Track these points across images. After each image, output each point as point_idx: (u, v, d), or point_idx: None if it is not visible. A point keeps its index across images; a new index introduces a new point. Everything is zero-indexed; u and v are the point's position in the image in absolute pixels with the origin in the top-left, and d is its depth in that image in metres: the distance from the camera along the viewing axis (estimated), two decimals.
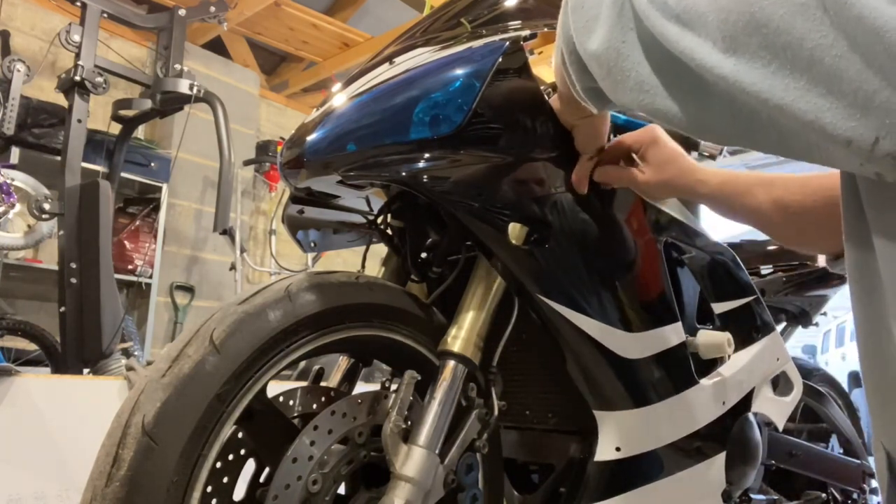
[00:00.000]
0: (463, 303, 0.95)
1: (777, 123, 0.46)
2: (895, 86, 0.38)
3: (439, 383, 0.90)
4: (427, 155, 0.86)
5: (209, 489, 0.78)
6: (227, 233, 3.52)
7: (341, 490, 0.89)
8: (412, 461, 0.83)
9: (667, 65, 0.51)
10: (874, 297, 0.55)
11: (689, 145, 1.06)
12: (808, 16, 0.40)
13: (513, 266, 0.91)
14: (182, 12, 3.42)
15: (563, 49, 0.64)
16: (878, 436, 0.59)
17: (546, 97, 0.95)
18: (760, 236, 1.75)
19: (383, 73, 0.96)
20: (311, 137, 0.91)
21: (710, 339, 1.09)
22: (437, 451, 0.85)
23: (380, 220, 1.09)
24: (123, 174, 3.78)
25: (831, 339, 9.42)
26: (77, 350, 2.83)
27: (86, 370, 2.83)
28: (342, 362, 1.10)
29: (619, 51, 0.54)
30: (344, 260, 5.10)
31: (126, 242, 4.25)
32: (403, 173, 0.85)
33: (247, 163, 5.04)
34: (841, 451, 1.65)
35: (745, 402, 1.18)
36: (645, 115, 1.10)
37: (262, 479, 0.89)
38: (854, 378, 7.35)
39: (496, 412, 0.97)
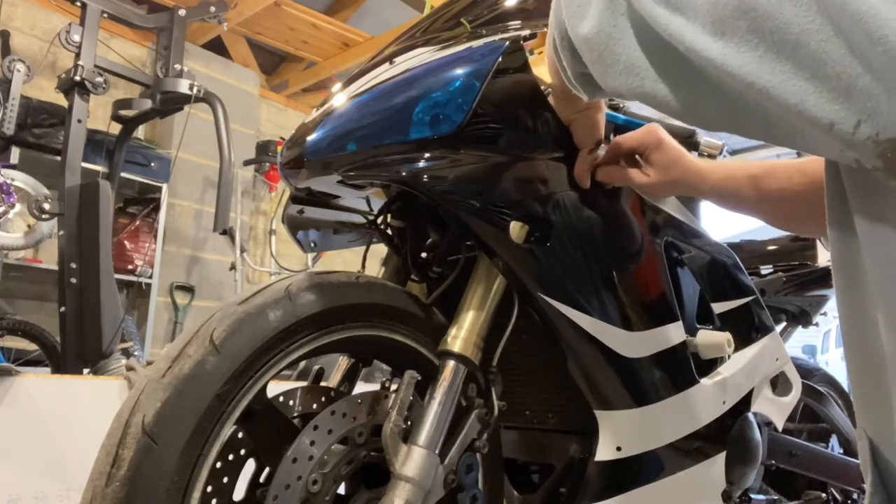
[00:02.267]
0: (463, 303, 0.95)
1: (762, 108, 0.47)
2: (875, 71, 0.39)
3: (439, 383, 0.90)
4: (427, 154, 0.86)
5: (209, 489, 0.78)
6: (227, 233, 3.52)
7: (341, 490, 0.89)
8: (412, 461, 0.83)
9: (657, 48, 0.52)
10: (857, 286, 0.56)
11: (690, 145, 1.06)
12: (796, 1, 0.41)
13: (514, 265, 0.91)
14: (182, 12, 3.42)
15: (555, 35, 0.64)
16: (861, 424, 0.60)
17: (546, 97, 0.95)
18: (760, 236, 1.75)
19: (383, 73, 0.96)
20: (311, 137, 0.91)
21: (710, 338, 1.09)
22: (437, 451, 0.85)
23: (380, 220, 1.09)
24: (123, 174, 3.78)
25: (831, 339, 9.43)
26: (77, 350, 2.83)
27: (86, 370, 2.83)
28: (342, 362, 1.10)
29: (609, 34, 0.54)
30: (344, 260, 5.09)
31: (126, 242, 4.25)
32: (404, 173, 0.85)
33: (247, 163, 5.04)
34: (841, 451, 1.65)
35: (745, 402, 1.18)
36: (639, 112, 1.10)
37: (262, 479, 0.90)
38: None
39: (496, 412, 0.97)
